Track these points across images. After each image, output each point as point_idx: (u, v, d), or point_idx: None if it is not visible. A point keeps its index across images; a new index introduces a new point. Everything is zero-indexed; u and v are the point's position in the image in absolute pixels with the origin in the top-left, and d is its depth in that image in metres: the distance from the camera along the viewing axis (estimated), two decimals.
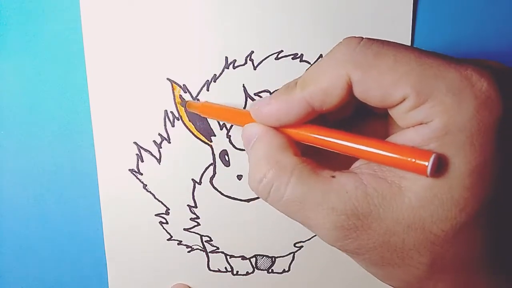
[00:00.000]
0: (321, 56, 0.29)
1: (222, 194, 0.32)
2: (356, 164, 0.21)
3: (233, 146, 0.31)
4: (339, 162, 0.24)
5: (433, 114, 0.17)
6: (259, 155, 0.21)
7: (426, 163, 0.17)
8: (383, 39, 0.28)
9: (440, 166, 0.17)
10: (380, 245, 0.19)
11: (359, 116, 0.23)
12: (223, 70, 0.30)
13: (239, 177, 0.31)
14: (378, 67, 0.18)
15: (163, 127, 0.31)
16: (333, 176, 0.20)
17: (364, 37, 0.20)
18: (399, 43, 0.19)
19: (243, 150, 0.31)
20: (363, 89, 0.19)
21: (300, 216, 0.20)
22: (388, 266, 0.19)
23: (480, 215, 0.18)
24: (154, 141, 0.31)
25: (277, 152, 0.21)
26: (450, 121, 0.17)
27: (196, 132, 0.31)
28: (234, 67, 0.30)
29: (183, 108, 0.30)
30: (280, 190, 0.20)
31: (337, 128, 0.21)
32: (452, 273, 0.19)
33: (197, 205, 0.32)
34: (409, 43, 0.29)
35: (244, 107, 0.30)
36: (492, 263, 0.19)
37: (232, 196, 0.32)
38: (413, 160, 0.17)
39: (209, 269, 0.34)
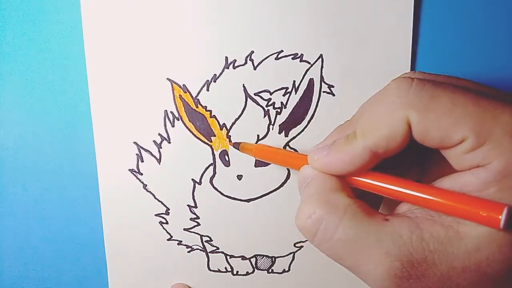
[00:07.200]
0: (321, 56, 0.30)
1: (222, 194, 0.32)
2: (406, 206, 0.21)
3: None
4: (384, 204, 0.24)
5: (491, 156, 0.17)
6: (311, 192, 0.21)
7: (500, 217, 0.17)
8: (384, 39, 0.29)
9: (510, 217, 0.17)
10: None
11: (402, 153, 0.23)
12: (223, 70, 0.30)
13: (239, 177, 0.31)
14: (436, 110, 0.18)
15: (163, 127, 0.31)
16: (387, 219, 0.19)
17: (413, 77, 0.20)
18: (449, 82, 0.19)
19: None
20: (422, 131, 0.19)
21: (350, 260, 0.19)
22: None
23: None
24: (154, 141, 0.31)
25: (330, 191, 0.21)
26: (508, 163, 0.17)
27: (196, 132, 0.31)
28: (234, 67, 0.30)
29: (183, 108, 0.30)
30: (330, 229, 0.19)
31: (383, 166, 0.20)
32: None
33: (197, 205, 0.32)
34: (409, 42, 0.29)
35: (244, 108, 0.30)
36: None
37: (232, 196, 0.32)
38: (485, 214, 0.17)
39: (209, 269, 0.34)
